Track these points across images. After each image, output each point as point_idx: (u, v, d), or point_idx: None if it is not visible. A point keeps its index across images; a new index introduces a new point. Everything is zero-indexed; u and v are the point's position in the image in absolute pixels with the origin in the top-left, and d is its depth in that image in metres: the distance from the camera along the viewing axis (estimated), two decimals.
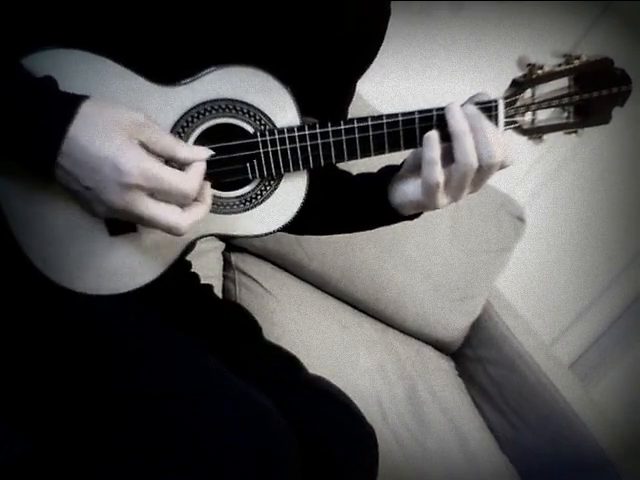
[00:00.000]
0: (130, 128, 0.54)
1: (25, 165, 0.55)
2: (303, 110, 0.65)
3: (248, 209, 0.68)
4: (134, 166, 0.53)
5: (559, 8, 1.51)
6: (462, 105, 0.63)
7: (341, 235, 1.42)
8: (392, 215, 0.73)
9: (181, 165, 0.57)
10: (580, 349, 2.15)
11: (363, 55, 0.79)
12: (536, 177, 1.79)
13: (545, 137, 0.66)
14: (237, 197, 0.67)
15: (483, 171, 0.63)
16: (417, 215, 0.74)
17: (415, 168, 0.68)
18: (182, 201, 0.56)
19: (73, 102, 0.54)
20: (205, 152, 0.59)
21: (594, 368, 2.08)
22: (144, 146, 0.55)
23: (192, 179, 0.56)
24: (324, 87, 0.75)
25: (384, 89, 1.29)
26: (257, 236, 0.70)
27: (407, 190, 0.69)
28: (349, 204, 0.79)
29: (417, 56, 1.51)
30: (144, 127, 0.55)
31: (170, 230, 0.56)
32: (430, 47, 1.51)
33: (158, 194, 0.55)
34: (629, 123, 1.55)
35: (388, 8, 0.77)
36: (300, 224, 0.70)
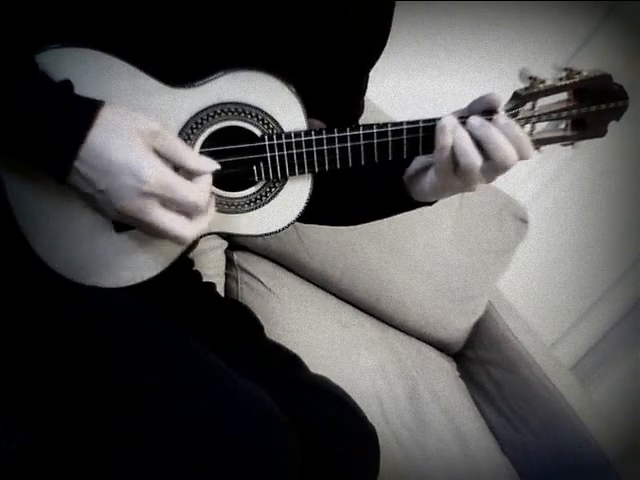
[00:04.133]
0: (147, 135, 0.56)
1: (41, 168, 0.56)
2: (316, 108, 0.66)
3: (252, 209, 0.69)
4: (152, 175, 0.54)
5: (561, 8, 1.51)
6: (461, 117, 0.63)
7: (343, 235, 1.43)
8: (409, 202, 0.73)
9: (189, 173, 0.59)
10: (581, 351, 2.14)
11: (371, 47, 0.79)
12: (537, 178, 1.79)
13: (542, 148, 0.67)
14: (242, 197, 0.68)
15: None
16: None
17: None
18: (191, 212, 0.58)
19: (92, 107, 0.55)
20: (212, 164, 0.60)
21: (595, 370, 2.08)
22: (157, 153, 0.57)
23: (202, 192, 0.58)
24: (336, 82, 0.76)
25: (384, 89, 1.29)
26: (260, 236, 0.71)
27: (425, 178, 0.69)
28: (364, 194, 0.80)
29: (417, 56, 1.51)
30: (159, 135, 0.57)
31: (176, 239, 0.58)
32: (430, 47, 1.51)
33: (170, 203, 0.56)
34: (629, 124, 1.55)
35: None
36: (316, 215, 0.72)
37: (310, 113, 0.66)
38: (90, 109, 0.55)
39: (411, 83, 1.52)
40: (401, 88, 1.49)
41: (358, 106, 0.86)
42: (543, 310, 1.95)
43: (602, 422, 1.37)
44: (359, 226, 1.41)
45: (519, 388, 1.47)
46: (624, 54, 1.48)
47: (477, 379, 1.56)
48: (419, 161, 0.70)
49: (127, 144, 0.54)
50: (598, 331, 2.11)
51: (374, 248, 1.45)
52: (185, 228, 0.58)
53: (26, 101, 0.53)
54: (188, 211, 0.58)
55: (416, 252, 1.48)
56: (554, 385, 1.40)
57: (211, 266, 1.26)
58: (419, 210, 1.51)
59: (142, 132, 0.55)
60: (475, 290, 1.57)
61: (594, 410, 1.40)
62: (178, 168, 0.58)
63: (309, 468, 0.67)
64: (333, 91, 0.77)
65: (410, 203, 0.73)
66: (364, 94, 0.86)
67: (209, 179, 0.59)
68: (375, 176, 0.76)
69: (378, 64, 0.83)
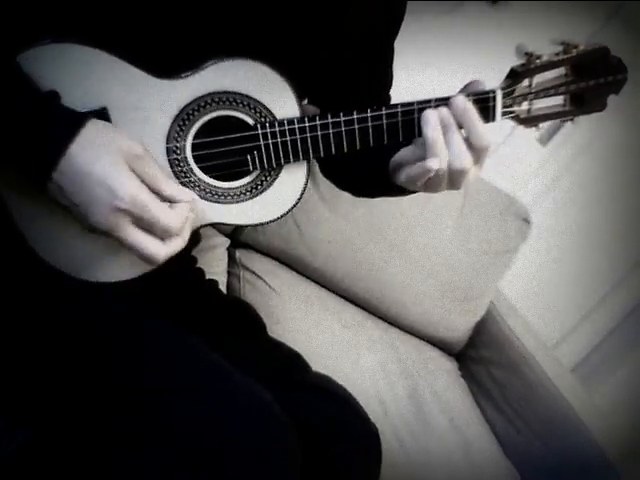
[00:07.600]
0: (128, 157, 0.56)
1: (22, 174, 0.56)
2: (332, 98, 0.68)
3: (249, 199, 0.69)
4: (127, 192, 0.55)
5: (563, 10, 1.51)
6: (453, 97, 0.64)
7: (344, 234, 1.42)
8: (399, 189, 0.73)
9: (166, 201, 0.59)
10: (583, 352, 2.14)
11: (378, 34, 0.80)
12: (539, 178, 1.79)
13: (541, 125, 0.67)
14: (238, 187, 0.68)
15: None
16: None
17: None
18: (163, 235, 0.58)
19: (76, 121, 0.55)
20: (188, 194, 0.61)
21: (597, 370, 2.07)
22: (137, 176, 0.57)
23: (177, 217, 0.58)
24: (338, 72, 0.77)
25: None
26: (258, 225, 0.71)
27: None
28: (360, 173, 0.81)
29: (417, 56, 1.51)
30: (140, 158, 0.57)
31: (147, 259, 0.58)
32: (430, 47, 1.51)
33: (142, 223, 0.57)
34: (631, 123, 1.55)
35: None
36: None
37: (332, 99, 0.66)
38: (74, 123, 0.55)
39: (411, 83, 1.52)
40: (401, 88, 1.49)
41: (387, 75, 0.87)
42: (545, 310, 1.95)
43: (603, 423, 1.36)
44: (360, 226, 1.42)
45: (520, 388, 1.46)
46: (626, 55, 1.47)
47: (478, 379, 1.56)
48: (400, 155, 0.70)
49: (107, 160, 0.55)
50: (600, 332, 2.11)
51: (375, 248, 1.45)
52: (156, 248, 0.58)
53: (10, 110, 0.53)
54: (159, 233, 0.58)
55: (417, 252, 1.48)
56: (555, 386, 1.39)
57: (214, 264, 1.26)
58: (420, 210, 1.51)
59: (124, 152, 0.56)
60: (477, 290, 1.56)
61: (595, 411, 1.40)
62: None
63: (310, 468, 0.67)
64: (340, 79, 0.77)
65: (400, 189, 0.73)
66: (391, 64, 0.86)
67: (185, 207, 0.60)
68: (359, 163, 0.76)
69: None
